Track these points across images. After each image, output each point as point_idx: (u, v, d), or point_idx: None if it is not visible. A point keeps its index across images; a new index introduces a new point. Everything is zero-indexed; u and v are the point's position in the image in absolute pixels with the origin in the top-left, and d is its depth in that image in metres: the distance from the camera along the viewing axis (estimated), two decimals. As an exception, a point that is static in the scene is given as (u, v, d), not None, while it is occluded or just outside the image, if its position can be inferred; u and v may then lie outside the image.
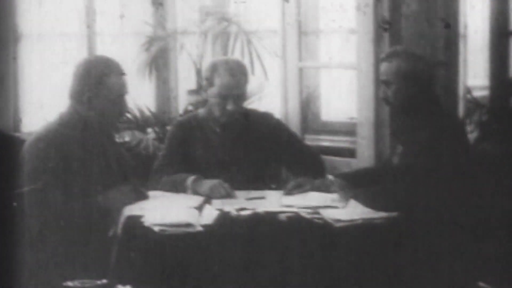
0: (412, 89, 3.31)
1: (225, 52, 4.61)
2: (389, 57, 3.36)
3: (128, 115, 4.51)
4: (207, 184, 3.33)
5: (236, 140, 3.58)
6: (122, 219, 3.02)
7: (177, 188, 3.39)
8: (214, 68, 3.53)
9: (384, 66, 3.36)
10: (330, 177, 3.41)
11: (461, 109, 4.07)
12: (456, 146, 3.22)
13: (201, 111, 3.68)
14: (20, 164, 3.18)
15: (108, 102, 3.23)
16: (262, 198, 3.30)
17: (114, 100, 3.24)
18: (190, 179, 3.38)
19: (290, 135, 3.73)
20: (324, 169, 3.65)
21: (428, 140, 3.20)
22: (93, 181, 3.16)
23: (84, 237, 3.09)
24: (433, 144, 3.19)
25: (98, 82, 3.21)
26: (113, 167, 3.27)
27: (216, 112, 3.54)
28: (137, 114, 4.57)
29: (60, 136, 3.17)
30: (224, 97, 3.50)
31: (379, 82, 3.46)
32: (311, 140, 4.44)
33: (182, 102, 4.81)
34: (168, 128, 4.17)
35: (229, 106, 3.50)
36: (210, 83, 3.53)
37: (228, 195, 3.28)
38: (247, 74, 3.57)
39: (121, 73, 3.26)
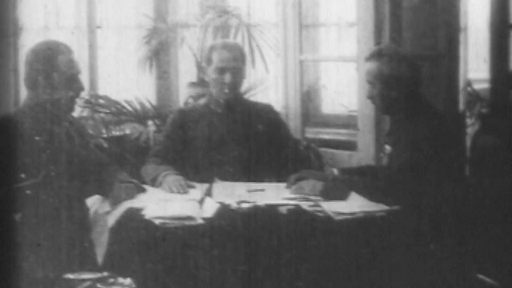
0: (395, 91, 3.26)
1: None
2: (373, 57, 3.30)
3: (129, 108, 4.52)
4: (169, 179, 3.36)
5: (237, 120, 3.61)
6: (122, 211, 3.03)
7: (152, 181, 3.41)
8: (212, 47, 3.62)
9: (367, 66, 3.30)
10: (333, 169, 3.41)
11: (461, 102, 4.07)
12: (444, 145, 3.17)
13: (202, 100, 3.71)
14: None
15: (61, 82, 3.23)
16: (262, 190, 3.31)
17: (67, 80, 3.24)
18: (162, 175, 3.39)
19: (287, 129, 3.76)
20: (322, 163, 3.66)
21: (414, 142, 3.17)
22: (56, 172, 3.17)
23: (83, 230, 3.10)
24: (419, 145, 3.16)
25: (46, 64, 3.21)
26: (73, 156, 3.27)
27: (215, 89, 3.57)
28: (138, 106, 4.57)
29: (15, 127, 3.18)
30: (221, 71, 3.54)
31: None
32: (311, 133, 4.44)
33: (183, 95, 4.81)
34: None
35: (227, 79, 3.54)
36: (209, 62, 3.58)
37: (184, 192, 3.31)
38: (244, 54, 3.64)
39: (69, 52, 3.27)
